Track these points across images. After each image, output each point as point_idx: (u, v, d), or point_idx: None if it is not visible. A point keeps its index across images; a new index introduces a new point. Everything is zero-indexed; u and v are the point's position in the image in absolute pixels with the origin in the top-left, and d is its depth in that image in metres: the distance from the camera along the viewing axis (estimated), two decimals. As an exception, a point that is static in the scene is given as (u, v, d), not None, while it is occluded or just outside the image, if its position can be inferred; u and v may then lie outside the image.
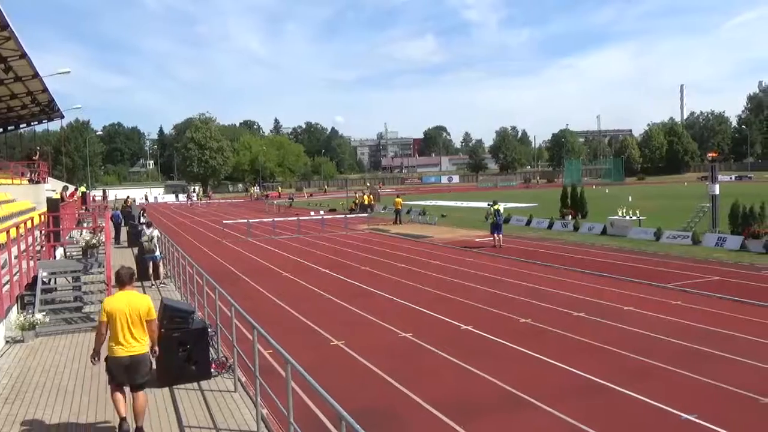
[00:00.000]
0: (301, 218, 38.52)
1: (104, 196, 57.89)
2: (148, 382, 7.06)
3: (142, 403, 6.84)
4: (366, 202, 48.85)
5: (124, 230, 29.48)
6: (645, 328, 11.49)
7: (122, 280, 7.01)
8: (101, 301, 8.36)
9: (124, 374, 6.78)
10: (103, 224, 17.82)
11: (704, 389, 8.39)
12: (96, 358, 6.96)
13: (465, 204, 54.88)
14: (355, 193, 54.87)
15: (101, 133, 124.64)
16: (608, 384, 8.66)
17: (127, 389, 6.88)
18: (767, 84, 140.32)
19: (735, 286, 15.24)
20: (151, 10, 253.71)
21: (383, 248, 25.77)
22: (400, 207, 38.31)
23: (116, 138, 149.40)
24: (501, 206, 25.31)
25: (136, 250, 18.70)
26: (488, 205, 28.42)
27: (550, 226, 30.53)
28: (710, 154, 28.46)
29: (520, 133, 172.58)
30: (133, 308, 6.80)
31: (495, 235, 24.16)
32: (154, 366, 7.50)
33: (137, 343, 6.78)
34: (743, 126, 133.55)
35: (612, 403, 8.08)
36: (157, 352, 7.25)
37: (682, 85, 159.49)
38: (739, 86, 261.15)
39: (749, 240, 21.07)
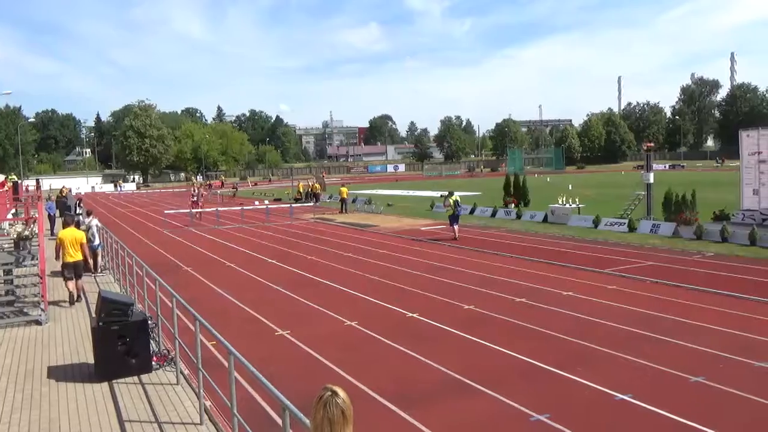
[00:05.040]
0: (245, 208, 38.01)
1: (38, 186, 55.64)
2: (82, 275, 13.62)
3: (80, 284, 13.44)
4: (314, 191, 48.47)
5: (59, 221, 28.41)
6: (583, 313, 11.85)
7: (67, 223, 13.91)
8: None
9: (72, 271, 13.01)
10: (36, 215, 17.15)
11: (638, 370, 8.72)
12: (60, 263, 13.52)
13: (411, 193, 55.23)
14: (299, 182, 54.29)
15: (34, 120, 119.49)
16: (547, 367, 8.91)
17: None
18: (699, 76, 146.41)
19: (668, 270, 15.87)
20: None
21: (329, 237, 25.70)
22: (345, 196, 38.24)
23: (50, 125, 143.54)
24: (457, 196, 24.88)
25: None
26: (442, 195, 28.52)
27: (493, 215, 31.05)
28: (645, 145, 29.46)
29: (464, 123, 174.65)
30: (74, 237, 13.18)
31: (454, 226, 23.50)
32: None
33: (76, 255, 13.08)
34: (677, 116, 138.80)
35: (551, 385, 8.31)
36: (91, 264, 15.77)
37: (619, 77, 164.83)
38: (673, 78, 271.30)
39: (681, 226, 21.95)
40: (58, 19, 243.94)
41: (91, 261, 16.85)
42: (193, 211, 35.84)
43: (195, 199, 39.64)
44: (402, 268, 17.64)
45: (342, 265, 18.60)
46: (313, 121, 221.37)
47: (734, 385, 7.94)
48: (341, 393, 3.01)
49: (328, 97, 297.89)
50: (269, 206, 39.19)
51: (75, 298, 13.12)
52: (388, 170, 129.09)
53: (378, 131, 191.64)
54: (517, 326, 11.18)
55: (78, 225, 19.12)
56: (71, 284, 13.03)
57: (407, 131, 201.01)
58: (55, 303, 13.17)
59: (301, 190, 50.04)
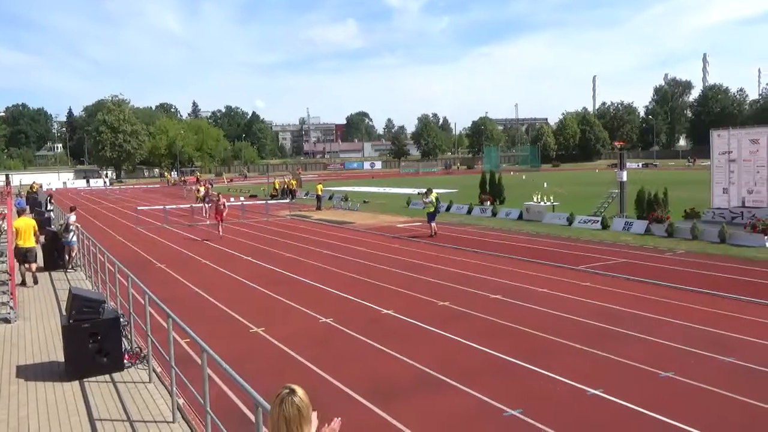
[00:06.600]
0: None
1: (7, 182, 54.65)
2: (36, 260, 14.78)
3: (32, 267, 14.48)
4: (290, 188, 48.26)
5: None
6: (557, 309, 11.97)
7: (21, 212, 15.46)
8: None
9: (24, 256, 14.04)
10: (5, 211, 16.88)
11: (609, 365, 8.84)
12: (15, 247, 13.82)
13: (387, 190, 55.27)
14: (275, 179, 53.97)
15: (3, 114, 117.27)
16: (521, 363, 8.99)
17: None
18: (672, 77, 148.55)
19: (640, 267, 16.10)
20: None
21: (305, 234, 25.60)
22: (320, 193, 38.14)
23: (20, 120, 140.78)
24: (436, 193, 24.93)
25: (42, 238, 17.73)
26: (420, 192, 28.54)
27: (469, 212, 31.21)
28: (617, 143, 29.84)
29: (441, 120, 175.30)
30: (27, 225, 14.32)
31: (432, 223, 23.41)
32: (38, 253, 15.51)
33: (29, 241, 14.18)
34: (650, 116, 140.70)
35: (524, 380, 8.38)
36: (41, 241, 15.95)
37: (594, 76, 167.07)
38: (647, 78, 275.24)
39: (653, 224, 22.29)
40: (26, 10, 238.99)
41: (72, 255, 16.77)
42: (217, 223, 26.24)
43: (209, 203, 29.11)
44: (378, 264, 17.64)
45: (317, 262, 18.55)
46: (289, 118, 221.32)
47: (703, 380, 8.09)
48: (299, 392, 3.00)
49: (304, 94, 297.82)
50: (245, 203, 38.93)
51: (34, 279, 14.49)
52: (364, 167, 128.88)
53: (355, 128, 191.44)
54: (492, 323, 11.26)
55: (49, 221, 18.97)
56: (25, 267, 14.34)
57: (384, 128, 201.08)
58: (21, 285, 13.89)
59: (277, 187, 49.78)
